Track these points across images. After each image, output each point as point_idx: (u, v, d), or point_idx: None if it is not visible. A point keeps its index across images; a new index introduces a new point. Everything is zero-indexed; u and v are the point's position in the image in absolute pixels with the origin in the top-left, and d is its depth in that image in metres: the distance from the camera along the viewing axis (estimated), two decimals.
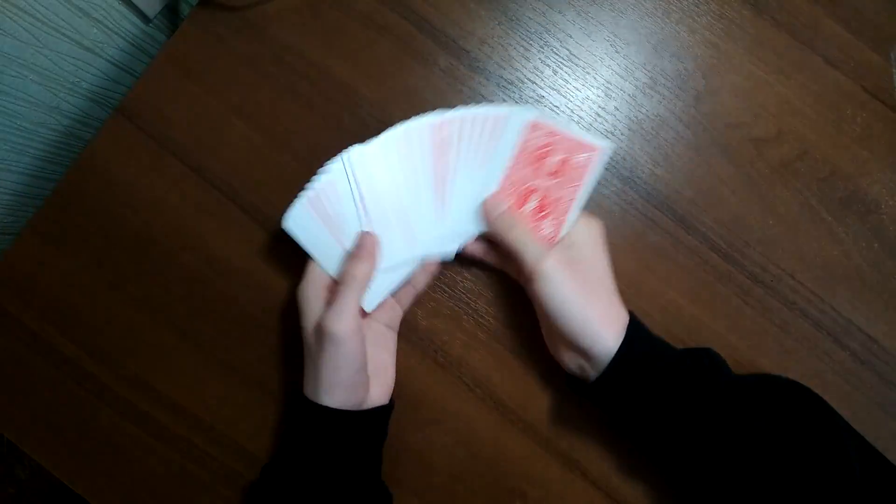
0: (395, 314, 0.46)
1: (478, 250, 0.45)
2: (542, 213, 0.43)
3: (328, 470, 0.40)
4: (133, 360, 0.48)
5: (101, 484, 0.47)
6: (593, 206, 0.48)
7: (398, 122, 0.49)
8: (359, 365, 0.40)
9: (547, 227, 0.43)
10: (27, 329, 0.48)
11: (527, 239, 0.41)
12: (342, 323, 0.38)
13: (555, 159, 0.42)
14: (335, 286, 0.41)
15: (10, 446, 1.03)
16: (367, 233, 0.42)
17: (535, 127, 0.42)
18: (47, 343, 0.48)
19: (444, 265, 0.48)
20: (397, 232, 0.43)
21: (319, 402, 0.39)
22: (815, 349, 0.47)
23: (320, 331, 0.39)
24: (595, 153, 0.42)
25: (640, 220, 0.48)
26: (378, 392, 0.43)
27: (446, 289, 0.48)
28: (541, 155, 0.43)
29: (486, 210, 0.43)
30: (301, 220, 0.42)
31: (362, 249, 0.41)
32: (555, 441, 0.47)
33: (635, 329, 0.40)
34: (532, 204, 0.43)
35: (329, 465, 0.40)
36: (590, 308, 0.39)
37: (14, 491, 1.04)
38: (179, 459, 0.47)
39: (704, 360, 0.40)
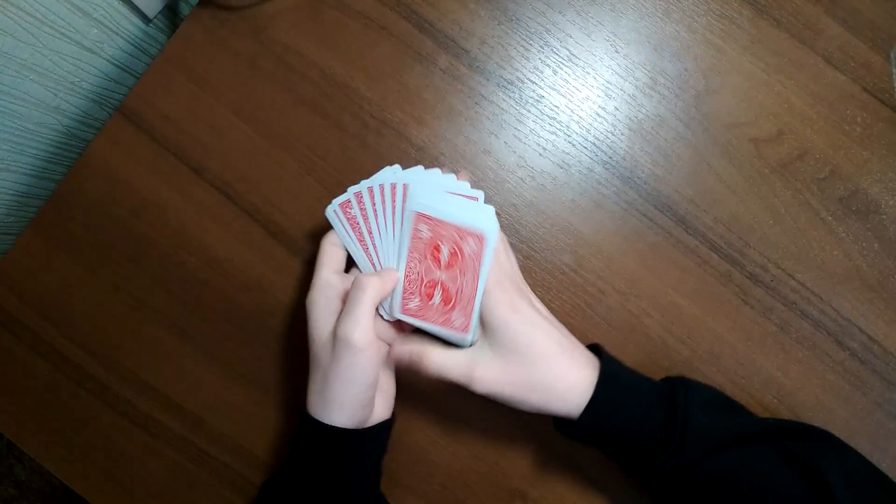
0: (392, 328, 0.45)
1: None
2: (449, 306, 0.41)
3: (329, 488, 0.39)
4: (133, 360, 0.48)
5: (101, 484, 0.47)
6: (593, 206, 0.48)
7: (398, 122, 0.49)
8: (372, 379, 0.38)
9: (457, 319, 0.41)
10: (27, 329, 0.48)
11: (443, 362, 0.39)
12: (360, 330, 0.36)
13: (445, 251, 0.40)
14: (343, 291, 0.40)
15: (10, 446, 1.03)
16: (393, 272, 0.41)
17: (420, 219, 0.40)
18: (47, 343, 0.48)
19: None
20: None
21: (326, 421, 0.38)
22: (815, 349, 0.47)
23: (336, 339, 0.37)
24: (482, 239, 0.39)
25: (640, 220, 0.48)
26: (381, 408, 0.42)
27: None
28: (434, 246, 0.40)
29: (394, 360, 0.41)
30: (344, 212, 0.41)
31: (389, 277, 0.40)
32: (555, 441, 0.47)
33: (606, 368, 0.39)
34: (437, 297, 0.41)
35: (330, 483, 0.39)
36: (541, 384, 0.38)
37: (14, 491, 1.04)
38: (179, 459, 0.47)
39: (681, 406, 0.38)
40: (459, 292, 0.40)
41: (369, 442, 0.40)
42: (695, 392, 0.40)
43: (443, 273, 0.41)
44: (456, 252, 0.40)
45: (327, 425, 0.38)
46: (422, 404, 0.47)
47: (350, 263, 0.43)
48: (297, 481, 0.40)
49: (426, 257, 0.41)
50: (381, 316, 0.42)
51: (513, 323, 0.38)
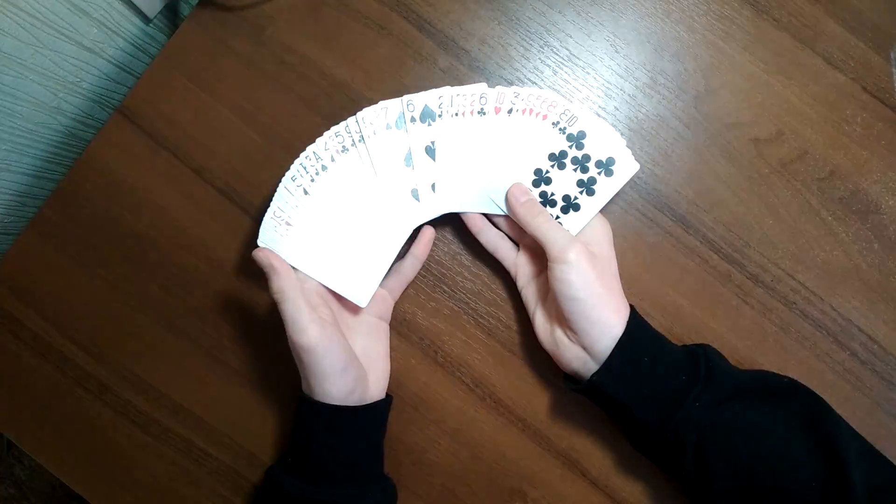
0: (387, 305, 0.46)
1: (477, 222, 0.46)
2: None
3: (331, 465, 0.40)
4: (133, 360, 0.48)
5: (101, 484, 0.47)
6: None
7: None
8: (341, 365, 0.39)
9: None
10: (27, 329, 0.48)
11: (553, 226, 0.42)
12: (304, 334, 0.38)
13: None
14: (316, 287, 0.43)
15: (10, 446, 1.03)
16: (260, 249, 0.41)
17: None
18: (47, 343, 0.48)
19: (445, 266, 0.48)
20: (371, 223, 0.44)
21: (322, 399, 0.40)
22: (815, 349, 0.47)
23: (290, 344, 0.39)
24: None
25: (640, 220, 0.48)
26: (375, 385, 0.43)
27: (446, 289, 0.48)
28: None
29: (511, 196, 0.44)
30: (271, 235, 0.42)
31: (267, 267, 0.39)
32: (555, 441, 0.47)
33: (636, 323, 0.41)
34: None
35: (331, 461, 0.40)
36: (604, 298, 0.40)
37: (14, 491, 1.04)
38: (179, 459, 0.47)
39: (702, 360, 0.40)
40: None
41: (367, 419, 0.41)
42: (714, 351, 0.43)
43: None
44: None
45: (324, 403, 0.39)
46: (422, 404, 0.47)
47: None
48: (298, 462, 0.41)
49: None
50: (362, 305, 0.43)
51: (611, 247, 0.44)
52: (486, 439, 0.47)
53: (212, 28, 0.50)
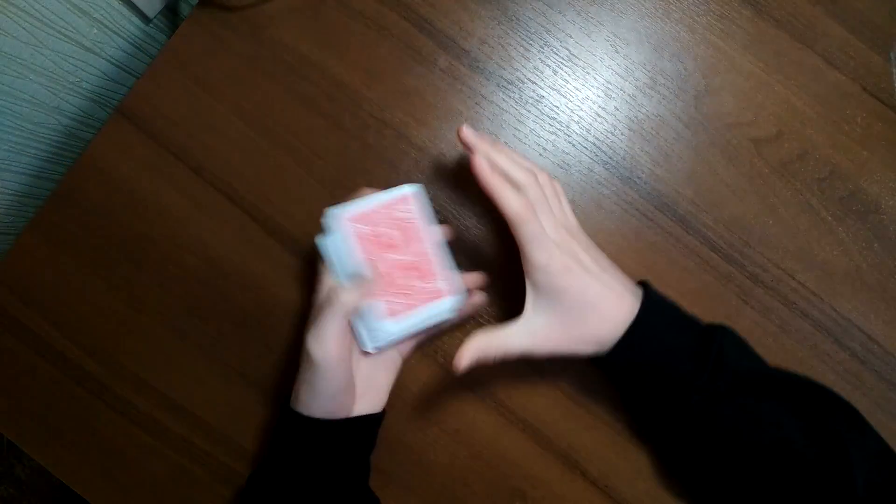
0: (409, 344, 0.45)
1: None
2: (429, 277, 0.41)
3: (311, 478, 0.40)
4: (133, 360, 0.48)
5: (101, 484, 0.47)
6: (593, 206, 0.48)
7: (398, 122, 0.49)
8: (336, 389, 0.39)
9: (442, 284, 0.41)
10: (27, 329, 0.48)
11: (502, 343, 0.40)
12: (322, 348, 0.37)
13: (390, 231, 0.41)
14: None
15: (10, 446, 1.03)
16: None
17: (352, 222, 0.40)
18: (47, 343, 0.48)
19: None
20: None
21: (305, 413, 0.39)
22: (815, 349, 0.47)
23: (303, 348, 0.38)
24: (407, 199, 0.41)
25: (640, 220, 0.48)
26: (367, 404, 0.42)
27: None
28: (379, 236, 0.41)
29: (459, 368, 0.39)
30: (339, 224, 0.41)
31: (363, 282, 0.39)
32: (555, 441, 0.47)
33: (647, 307, 0.40)
34: (413, 278, 0.41)
35: (312, 474, 0.40)
36: (592, 335, 0.39)
37: (14, 491, 1.04)
38: (179, 459, 0.47)
39: (714, 350, 0.39)
40: (425, 257, 0.41)
41: (349, 433, 0.41)
42: (731, 337, 0.41)
43: (401, 253, 0.41)
44: (400, 225, 0.41)
45: (303, 416, 0.39)
46: (422, 404, 0.47)
47: None
48: (279, 473, 0.41)
49: (379, 250, 0.41)
50: (366, 350, 0.42)
51: (564, 284, 0.38)
52: (486, 439, 0.47)
53: (212, 28, 0.49)
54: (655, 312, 0.40)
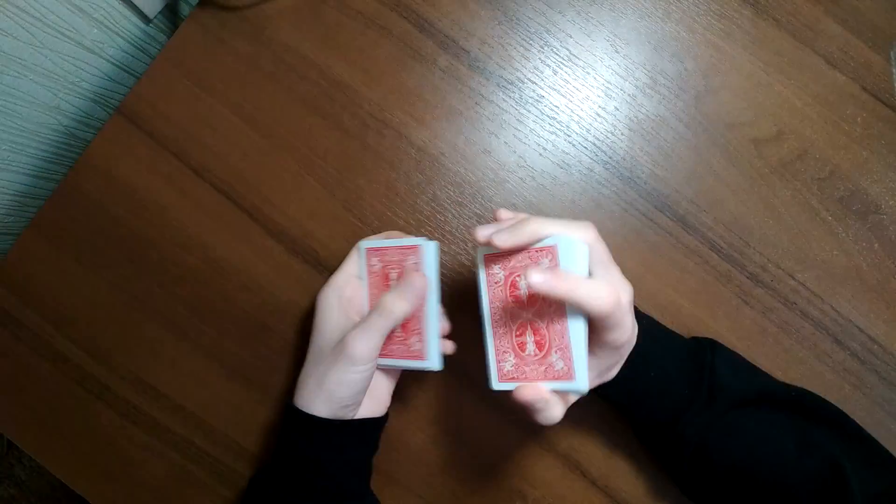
0: None
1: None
2: (543, 352, 0.36)
3: (314, 480, 0.40)
4: (133, 361, 0.48)
5: (101, 484, 0.47)
6: (593, 206, 0.48)
7: (398, 122, 0.49)
8: (360, 388, 0.39)
9: (557, 363, 0.35)
10: (27, 329, 0.48)
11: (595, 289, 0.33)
12: (365, 347, 0.38)
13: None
14: (357, 297, 0.42)
15: (10, 446, 1.03)
16: (421, 275, 0.40)
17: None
18: (47, 343, 0.48)
19: (446, 266, 0.48)
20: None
21: (309, 411, 0.39)
22: (815, 349, 0.47)
23: (342, 344, 0.38)
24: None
25: (640, 220, 0.48)
26: (370, 407, 0.42)
27: (446, 289, 0.48)
28: (512, 283, 0.37)
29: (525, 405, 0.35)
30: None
31: (411, 290, 0.39)
32: (555, 441, 0.47)
33: (643, 336, 0.39)
34: (530, 345, 0.36)
35: (315, 476, 0.40)
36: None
37: (14, 491, 1.04)
38: (179, 459, 0.47)
39: (706, 373, 0.40)
40: (550, 327, 0.35)
41: (353, 434, 0.41)
42: (721, 353, 0.41)
43: (528, 312, 0.36)
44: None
45: (310, 415, 0.39)
46: (422, 404, 0.47)
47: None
48: (281, 474, 0.41)
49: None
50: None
51: (630, 331, 0.36)
52: (486, 439, 0.47)
53: (212, 28, 0.49)
54: (650, 338, 0.39)
